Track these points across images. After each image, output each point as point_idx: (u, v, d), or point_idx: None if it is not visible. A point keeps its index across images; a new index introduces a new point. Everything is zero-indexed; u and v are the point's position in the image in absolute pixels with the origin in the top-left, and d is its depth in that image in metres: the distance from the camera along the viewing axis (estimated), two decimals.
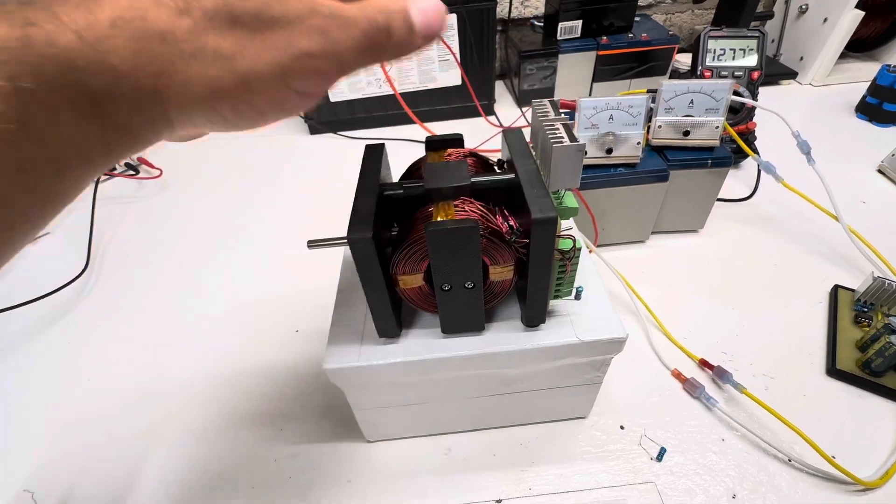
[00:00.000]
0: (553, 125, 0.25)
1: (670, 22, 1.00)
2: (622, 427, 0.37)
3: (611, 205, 0.50)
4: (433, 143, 0.31)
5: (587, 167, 0.48)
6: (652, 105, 0.47)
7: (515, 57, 0.83)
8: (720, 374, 0.39)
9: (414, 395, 0.33)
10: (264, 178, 0.73)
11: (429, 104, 0.82)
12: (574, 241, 0.26)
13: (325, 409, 0.39)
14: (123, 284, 0.55)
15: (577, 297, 0.30)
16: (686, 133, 0.48)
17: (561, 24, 0.79)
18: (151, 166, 0.76)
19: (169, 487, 0.36)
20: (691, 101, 0.46)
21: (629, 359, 0.41)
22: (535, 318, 0.29)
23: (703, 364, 0.41)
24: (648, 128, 0.50)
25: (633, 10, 0.81)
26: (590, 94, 0.85)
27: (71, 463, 0.38)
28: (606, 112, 0.45)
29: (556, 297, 0.30)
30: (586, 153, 0.46)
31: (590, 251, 0.44)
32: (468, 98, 0.78)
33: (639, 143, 0.46)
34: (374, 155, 0.30)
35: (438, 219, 0.25)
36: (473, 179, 0.27)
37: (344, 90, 0.79)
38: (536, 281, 0.26)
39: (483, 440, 0.37)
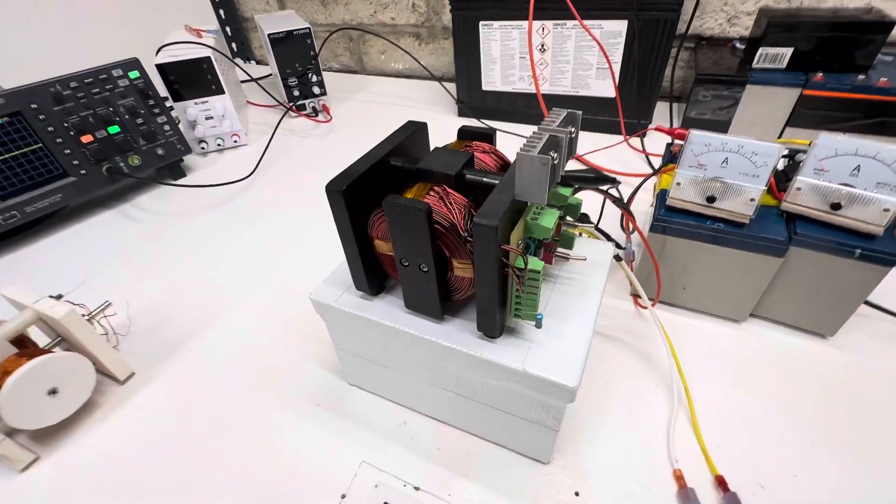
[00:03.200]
0: (541, 134, 0.23)
1: None
2: (577, 494, 0.33)
3: (698, 263, 0.42)
4: (464, 133, 0.32)
5: (676, 210, 0.41)
6: (784, 157, 0.37)
7: (691, 78, 0.73)
8: (733, 503, 0.31)
9: (379, 355, 0.35)
10: None
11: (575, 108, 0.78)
12: (527, 261, 0.24)
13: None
14: (271, 192, 0.71)
15: (538, 325, 0.27)
16: (835, 206, 0.36)
17: (762, 50, 0.66)
18: (328, 112, 0.92)
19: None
20: (857, 168, 0.35)
21: (631, 431, 0.35)
22: (485, 326, 0.28)
23: (719, 482, 0.32)
24: (776, 185, 0.40)
25: (878, 47, 0.62)
26: (779, 138, 0.70)
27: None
28: (721, 153, 0.38)
29: (517, 316, 0.28)
30: (585, 183, 0.40)
31: (641, 303, 0.38)
32: (622, 113, 0.73)
33: (753, 199, 0.37)
34: (408, 129, 0.32)
35: (408, 196, 0.26)
36: (464, 173, 0.27)
37: (496, 81, 0.82)
38: (481, 287, 0.25)
39: (438, 431, 0.37)
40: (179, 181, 0.75)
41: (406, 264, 0.28)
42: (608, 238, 0.44)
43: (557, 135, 0.23)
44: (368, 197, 0.28)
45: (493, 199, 0.24)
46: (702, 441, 0.35)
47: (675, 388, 0.38)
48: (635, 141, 0.73)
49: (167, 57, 0.73)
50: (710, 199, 0.39)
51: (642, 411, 0.38)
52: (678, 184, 0.40)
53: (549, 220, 0.25)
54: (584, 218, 0.36)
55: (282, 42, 0.85)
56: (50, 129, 0.61)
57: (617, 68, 0.71)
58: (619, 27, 0.67)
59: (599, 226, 0.43)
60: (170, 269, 0.57)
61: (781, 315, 0.43)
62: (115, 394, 0.42)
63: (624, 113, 0.73)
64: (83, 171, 0.65)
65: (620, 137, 0.73)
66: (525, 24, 0.71)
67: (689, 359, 0.41)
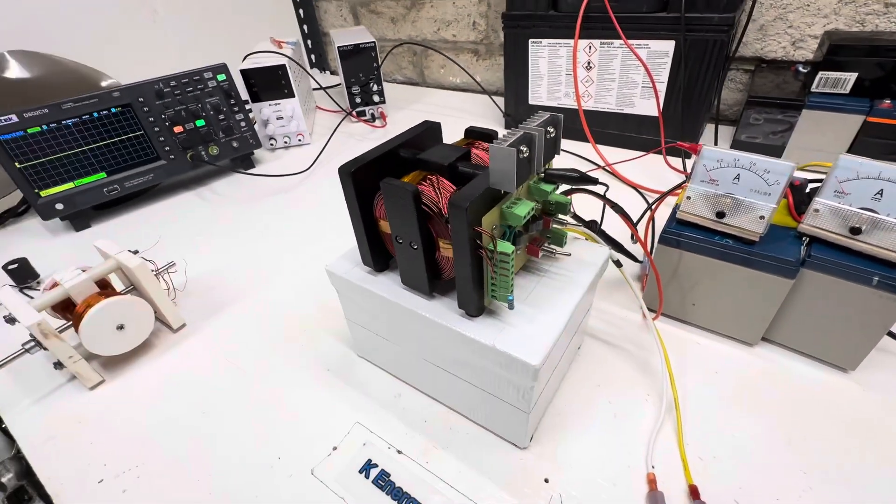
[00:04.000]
0: (517, 131, 0.26)
1: None
2: (546, 481, 0.34)
3: (707, 279, 0.42)
4: (470, 133, 0.35)
5: (686, 224, 0.41)
6: (796, 175, 0.36)
7: (744, 100, 0.71)
8: None
9: (379, 327, 0.39)
10: None
11: (618, 128, 0.79)
12: (497, 243, 0.27)
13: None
14: (323, 185, 0.78)
15: (510, 306, 0.30)
16: (855, 231, 0.35)
17: (821, 74, 0.63)
18: (385, 119, 1.00)
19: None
20: (880, 192, 0.34)
21: (613, 432, 0.36)
22: (464, 303, 0.31)
23: (692, 491, 0.32)
24: (794, 206, 0.39)
25: None
26: None
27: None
28: (733, 170, 0.38)
29: (493, 297, 0.30)
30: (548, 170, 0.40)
31: (646, 315, 0.39)
32: (666, 133, 0.72)
33: (763, 216, 0.37)
34: (422, 127, 0.36)
35: (404, 180, 0.30)
36: (457, 164, 0.30)
37: (542, 96, 0.84)
38: (458, 266, 0.28)
39: (428, 406, 0.40)
40: (249, 171, 0.85)
41: (400, 242, 0.31)
42: (618, 247, 0.44)
43: (531, 132, 0.26)
44: (376, 181, 0.32)
45: (471, 186, 0.27)
46: (683, 451, 0.35)
47: (665, 399, 0.38)
48: (677, 161, 0.72)
49: (250, 63, 0.84)
50: (720, 215, 0.39)
51: (628, 415, 0.38)
52: (689, 198, 0.40)
53: (522, 209, 0.27)
54: (593, 226, 0.38)
55: (349, 54, 0.94)
56: (151, 119, 0.73)
57: (662, 88, 0.71)
58: (666, 47, 0.68)
59: (612, 237, 0.44)
60: (228, 242, 0.66)
61: (798, 343, 0.41)
62: (168, 339, 0.50)
63: (668, 133, 0.73)
64: (172, 157, 0.76)
65: (660, 156, 0.72)
66: (573, 42, 0.73)
67: (690, 374, 0.41)
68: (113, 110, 0.70)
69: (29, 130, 0.64)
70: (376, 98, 0.99)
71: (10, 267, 0.57)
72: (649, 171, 0.71)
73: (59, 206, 0.68)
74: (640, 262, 0.51)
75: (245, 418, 0.41)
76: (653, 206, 0.52)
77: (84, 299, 0.44)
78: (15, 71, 0.79)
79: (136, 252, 0.48)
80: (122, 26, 0.98)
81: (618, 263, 0.40)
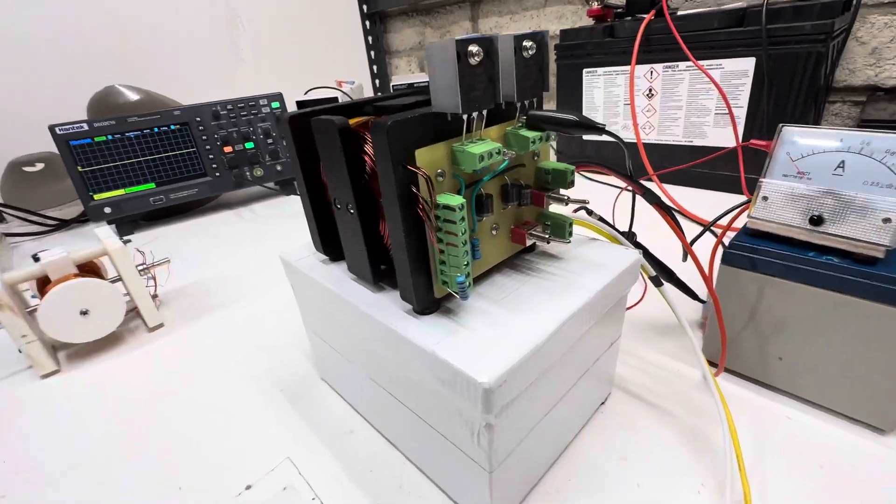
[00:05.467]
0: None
1: None
2: None
3: (799, 318, 0.28)
4: None
5: (762, 236, 0.29)
6: None
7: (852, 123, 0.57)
8: None
9: (327, 331, 0.31)
10: None
11: (688, 161, 0.67)
12: (433, 190, 0.18)
13: None
14: None
15: (463, 294, 0.20)
16: None
17: None
18: None
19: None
20: None
21: None
22: (405, 292, 0.22)
23: None
24: None
25: None
26: None
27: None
28: (835, 154, 0.26)
29: (445, 285, 0.21)
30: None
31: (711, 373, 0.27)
32: (752, 170, 0.60)
33: (890, 220, 0.24)
34: (415, 89, 0.30)
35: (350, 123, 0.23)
36: (416, 107, 0.23)
37: None
38: (390, 226, 0.20)
39: (380, 451, 0.30)
40: (291, 195, 0.86)
41: (339, 206, 0.24)
42: (664, 271, 0.33)
43: (493, 37, 0.19)
44: None
45: (409, 112, 0.19)
46: None
47: (730, 494, 0.24)
48: None
49: (306, 96, 0.88)
50: (817, 221, 0.27)
51: None
52: (765, 198, 0.29)
53: (479, 148, 0.19)
54: (627, 237, 0.28)
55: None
56: (204, 137, 0.77)
57: (741, 114, 0.60)
58: (745, 66, 0.58)
59: (655, 256, 0.33)
60: (242, 256, 0.63)
61: None
62: (141, 337, 0.46)
63: (751, 169, 0.60)
64: (217, 174, 0.79)
65: (742, 195, 0.59)
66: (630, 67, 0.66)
67: (773, 464, 0.26)
68: (172, 127, 0.74)
69: (96, 139, 0.70)
70: None
71: (37, 255, 0.58)
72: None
73: (108, 210, 0.72)
74: (704, 301, 0.38)
75: (168, 435, 0.33)
76: (718, 224, 0.39)
77: (58, 278, 0.41)
78: (123, 98, 0.90)
79: (127, 242, 0.46)
80: (214, 66, 1.10)
81: (656, 281, 0.29)
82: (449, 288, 0.21)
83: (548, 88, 0.21)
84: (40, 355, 0.40)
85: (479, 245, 0.22)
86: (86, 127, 0.69)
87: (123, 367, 0.42)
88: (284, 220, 0.75)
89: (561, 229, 0.25)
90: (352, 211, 0.23)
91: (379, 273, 0.25)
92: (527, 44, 0.19)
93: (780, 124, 0.28)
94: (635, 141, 0.69)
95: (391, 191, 0.19)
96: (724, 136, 0.63)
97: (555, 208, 0.25)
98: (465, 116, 0.19)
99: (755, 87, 0.58)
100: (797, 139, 0.28)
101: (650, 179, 0.65)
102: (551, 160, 0.25)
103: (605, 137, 0.52)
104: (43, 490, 0.30)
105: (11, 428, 0.36)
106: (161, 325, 0.47)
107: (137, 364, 0.42)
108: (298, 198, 0.78)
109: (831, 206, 0.26)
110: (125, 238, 0.46)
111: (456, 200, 0.19)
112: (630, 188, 0.28)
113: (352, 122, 0.24)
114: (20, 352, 0.41)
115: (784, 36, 0.54)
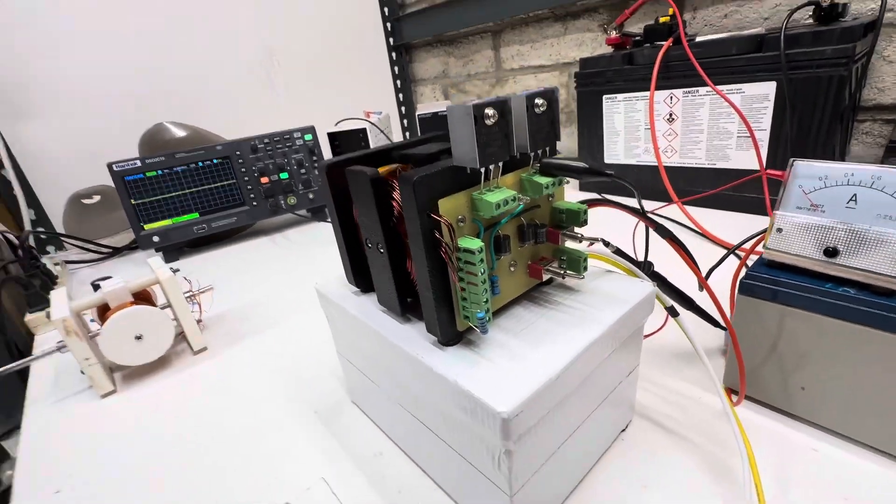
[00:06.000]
0: (490, 98, 0.21)
1: None
2: None
3: (820, 349, 0.29)
4: None
5: (778, 266, 0.30)
6: None
7: (877, 148, 0.56)
8: None
9: (359, 359, 0.33)
10: None
11: (711, 186, 0.67)
12: (455, 234, 0.20)
13: None
14: None
15: (483, 328, 0.22)
16: None
17: None
18: None
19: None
20: None
21: None
22: (430, 326, 0.24)
23: None
24: None
25: None
26: None
27: None
28: (846, 188, 0.27)
29: (466, 319, 0.23)
30: (586, 170, 0.29)
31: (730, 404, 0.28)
32: (771, 190, 0.60)
33: None
34: (436, 134, 0.33)
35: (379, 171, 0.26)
36: (439, 156, 0.26)
37: (619, 154, 0.77)
38: (416, 269, 0.22)
39: (408, 473, 0.32)
40: (321, 221, 0.90)
41: (370, 246, 0.27)
42: (681, 298, 0.34)
43: (506, 97, 0.21)
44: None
45: (431, 165, 0.22)
46: None
47: None
48: None
49: (336, 127, 0.93)
50: (832, 253, 0.27)
51: None
52: (779, 230, 0.30)
53: (496, 196, 0.21)
54: (644, 266, 0.30)
55: (428, 121, 0.99)
56: (243, 170, 0.82)
57: (764, 136, 0.60)
58: (766, 90, 0.58)
59: (671, 283, 0.34)
60: (277, 281, 0.67)
61: None
62: (186, 360, 0.49)
63: (776, 190, 0.59)
64: (255, 203, 0.84)
65: (768, 218, 0.59)
66: (650, 93, 0.67)
67: (797, 496, 0.27)
68: (214, 161, 0.80)
69: (147, 174, 0.76)
70: None
71: (96, 282, 0.64)
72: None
73: (156, 239, 0.77)
74: (725, 328, 0.39)
75: (212, 452, 0.36)
76: (742, 248, 0.39)
77: (116, 306, 0.46)
78: (170, 134, 0.97)
79: (176, 271, 0.50)
80: (251, 100, 1.18)
81: (672, 311, 0.30)
82: (470, 322, 0.23)
83: (559, 138, 0.23)
84: (100, 377, 0.44)
85: (497, 281, 0.24)
86: (139, 163, 0.75)
87: (172, 388, 0.45)
88: (315, 245, 0.79)
89: (576, 264, 0.26)
90: (381, 250, 0.26)
91: (406, 305, 0.27)
92: (538, 101, 0.22)
93: (792, 159, 0.29)
94: (657, 164, 0.69)
95: (417, 236, 0.21)
96: (747, 159, 0.63)
97: (570, 244, 0.27)
98: (482, 169, 0.21)
99: (777, 110, 0.58)
100: (809, 173, 0.29)
101: (672, 202, 0.65)
102: (565, 199, 0.26)
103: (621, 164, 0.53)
104: (96, 495, 0.33)
105: (77, 442, 0.39)
106: (204, 349, 0.51)
107: (184, 385, 0.45)
108: (327, 224, 0.83)
109: (845, 238, 0.27)
110: (174, 267, 0.50)
111: (475, 244, 0.21)
112: (644, 222, 0.29)
113: (382, 169, 0.26)
114: (82, 373, 0.45)
115: (804, 60, 0.54)
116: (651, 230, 0.29)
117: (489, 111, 0.20)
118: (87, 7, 0.94)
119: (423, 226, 0.21)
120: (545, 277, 0.26)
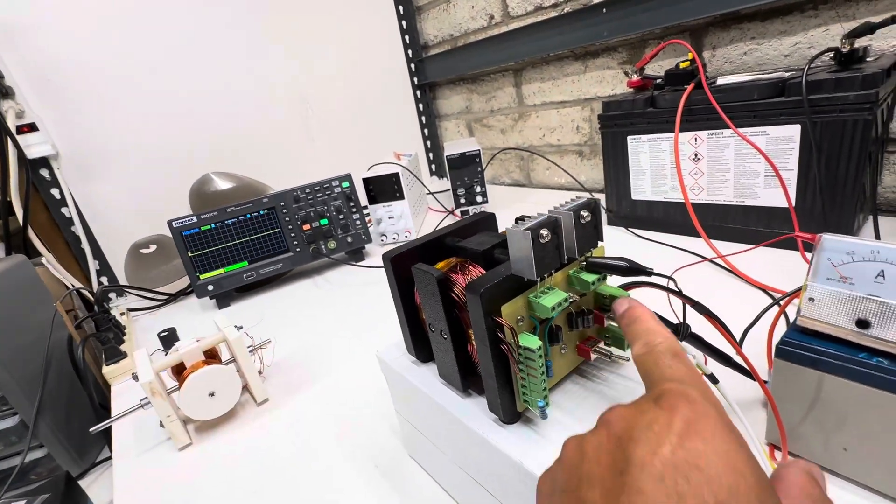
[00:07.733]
0: (541, 215, 0.24)
1: None
2: None
3: (859, 414, 0.30)
4: (519, 219, 0.34)
5: (812, 334, 0.32)
6: None
7: None
8: None
9: (420, 422, 0.36)
10: None
11: (741, 222, 0.69)
12: (517, 336, 0.24)
13: None
14: None
15: (543, 415, 0.25)
16: None
17: None
18: None
19: None
20: None
21: None
22: (493, 405, 0.27)
23: None
24: None
25: None
26: None
27: None
28: (873, 265, 0.29)
29: (526, 403, 0.26)
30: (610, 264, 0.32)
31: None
32: (808, 227, 0.61)
33: None
34: (477, 216, 0.36)
35: (438, 266, 0.30)
36: (493, 252, 0.29)
37: (647, 191, 0.79)
38: (481, 362, 0.26)
39: None
40: (359, 263, 0.95)
41: (433, 330, 0.30)
42: (721, 357, 0.36)
43: (555, 216, 0.24)
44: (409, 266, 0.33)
45: (494, 272, 0.25)
46: None
47: None
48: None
49: (371, 173, 0.98)
50: (863, 325, 0.29)
51: None
52: (811, 299, 0.32)
53: (551, 299, 0.24)
54: (682, 329, 0.32)
55: (456, 161, 1.04)
56: (287, 219, 0.88)
57: (791, 176, 0.61)
58: (790, 132, 0.60)
59: (710, 344, 0.36)
60: (324, 325, 0.71)
61: None
62: (251, 411, 0.54)
63: (807, 227, 0.61)
64: (298, 249, 0.89)
65: (797, 254, 0.60)
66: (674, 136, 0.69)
67: None
68: (261, 212, 0.87)
69: (202, 228, 0.83)
70: (479, 199, 1.05)
71: (162, 334, 0.70)
72: (781, 269, 0.58)
73: (210, 287, 0.83)
74: (767, 381, 0.40)
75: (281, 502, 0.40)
76: (781, 303, 0.40)
77: (191, 364, 0.50)
78: (216, 185, 1.04)
79: (240, 328, 0.55)
80: (289, 147, 1.26)
81: (713, 378, 0.32)
82: (530, 407, 0.26)
83: (602, 239, 0.26)
84: (179, 431, 0.49)
85: (551, 365, 0.27)
86: (195, 219, 0.82)
87: (241, 439, 0.49)
88: (352, 287, 0.84)
89: (621, 342, 0.29)
90: (445, 336, 0.29)
91: (466, 382, 0.30)
92: (583, 213, 0.25)
93: (819, 234, 0.31)
94: (683, 201, 0.71)
95: (483, 337, 0.24)
96: (776, 196, 0.64)
97: (614, 323, 0.30)
98: (538, 279, 0.24)
99: (804, 151, 0.59)
100: (837, 247, 0.31)
101: (699, 235, 0.67)
102: (607, 286, 0.29)
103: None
104: None
105: (163, 492, 0.43)
106: (266, 400, 0.55)
107: (252, 436, 0.49)
108: (364, 266, 0.87)
109: (876, 311, 0.29)
110: (237, 325, 0.55)
111: (535, 343, 0.24)
112: (682, 300, 0.31)
113: (441, 265, 0.30)
114: (161, 426, 0.50)
115: (827, 105, 0.56)
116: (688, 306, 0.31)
117: (543, 231, 0.23)
118: (140, 72, 1.03)
119: (489, 327, 0.24)
120: (593, 358, 0.29)
